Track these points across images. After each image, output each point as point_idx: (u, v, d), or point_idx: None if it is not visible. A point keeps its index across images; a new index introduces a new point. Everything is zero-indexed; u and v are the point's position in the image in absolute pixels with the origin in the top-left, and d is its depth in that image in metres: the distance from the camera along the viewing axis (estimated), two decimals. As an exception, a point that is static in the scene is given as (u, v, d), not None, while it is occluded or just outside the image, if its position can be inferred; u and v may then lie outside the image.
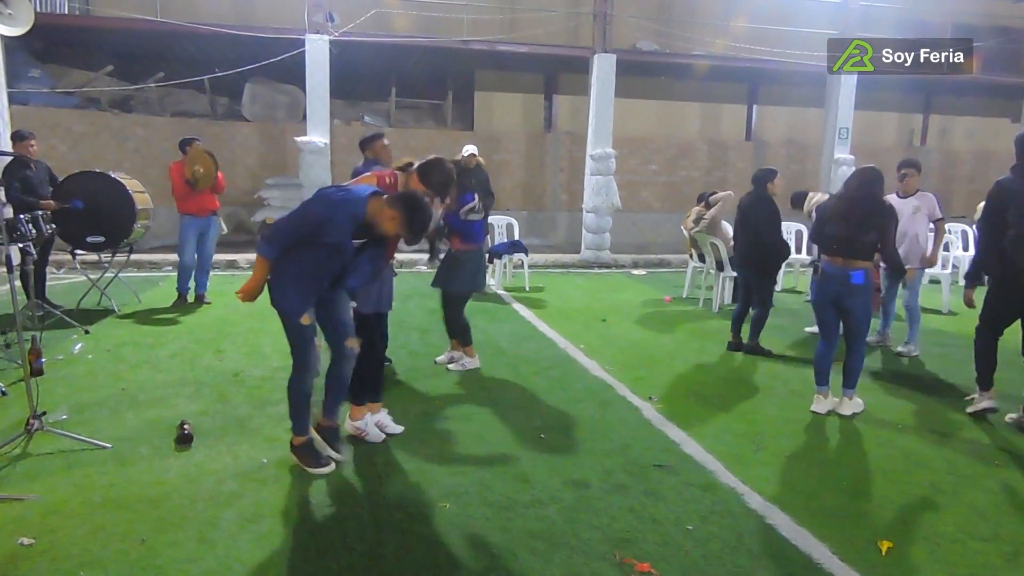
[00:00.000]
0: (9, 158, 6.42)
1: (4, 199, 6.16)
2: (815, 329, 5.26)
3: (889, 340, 6.27)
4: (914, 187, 5.89)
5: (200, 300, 7.37)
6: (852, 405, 4.48)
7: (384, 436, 3.82)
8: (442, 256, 5.09)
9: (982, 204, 4.61)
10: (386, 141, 4.89)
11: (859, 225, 4.28)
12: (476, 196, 5.06)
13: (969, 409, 4.49)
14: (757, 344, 5.89)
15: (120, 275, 7.45)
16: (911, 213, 5.77)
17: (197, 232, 7.18)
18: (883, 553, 2.79)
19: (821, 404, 4.50)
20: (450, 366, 5.20)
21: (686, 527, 2.94)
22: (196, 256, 7.27)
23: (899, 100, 15.83)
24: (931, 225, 5.87)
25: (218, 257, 9.78)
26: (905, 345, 6.01)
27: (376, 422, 3.87)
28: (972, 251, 10.15)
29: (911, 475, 3.55)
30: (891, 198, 5.45)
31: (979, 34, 13.54)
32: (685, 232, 8.64)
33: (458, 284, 5.08)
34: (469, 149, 8.02)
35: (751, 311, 5.96)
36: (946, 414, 4.50)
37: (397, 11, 12.31)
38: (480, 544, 2.77)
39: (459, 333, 5.20)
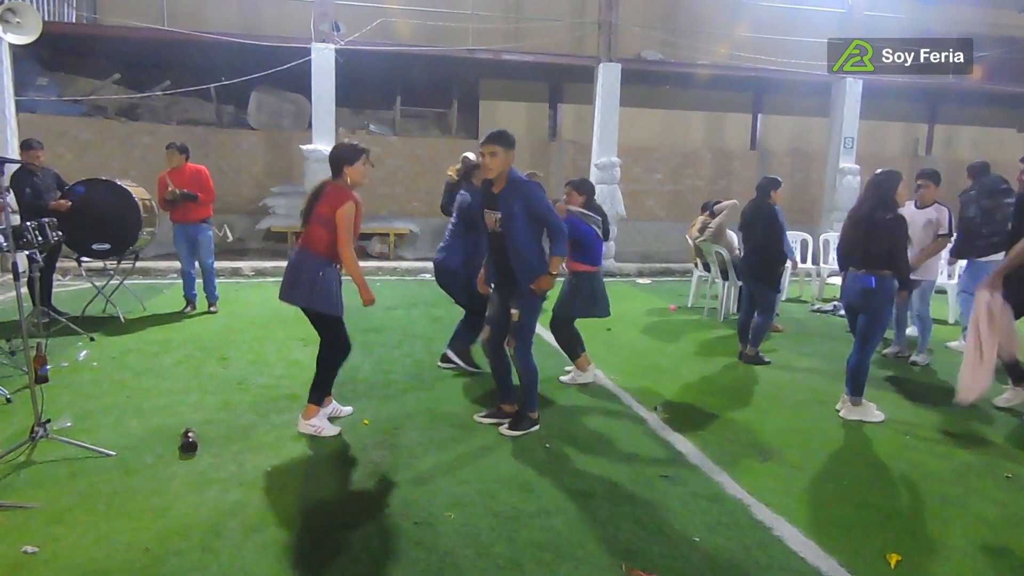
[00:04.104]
0: (16, 166, 6.43)
1: (15, 206, 6.19)
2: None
3: (906, 351, 6.23)
4: (930, 199, 5.81)
5: (209, 307, 7.35)
6: (856, 411, 4.49)
7: (338, 429, 3.97)
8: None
9: None
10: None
11: (867, 232, 4.28)
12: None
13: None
14: (757, 353, 5.86)
15: (125, 282, 7.47)
16: (923, 224, 5.73)
17: (186, 239, 7.16)
18: (892, 566, 2.76)
19: (843, 404, 4.63)
20: (562, 378, 5.22)
21: (693, 538, 2.92)
22: (195, 263, 7.28)
23: (904, 109, 15.82)
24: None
25: (223, 265, 9.82)
26: (918, 354, 5.99)
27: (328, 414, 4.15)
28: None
29: (920, 487, 3.52)
30: (907, 208, 5.47)
31: (984, 44, 13.55)
32: (690, 241, 8.64)
33: (578, 309, 5.03)
34: (468, 154, 8.03)
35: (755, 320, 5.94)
36: (955, 424, 4.47)
37: (402, 20, 12.36)
38: (485, 554, 2.75)
39: (566, 349, 5.20)
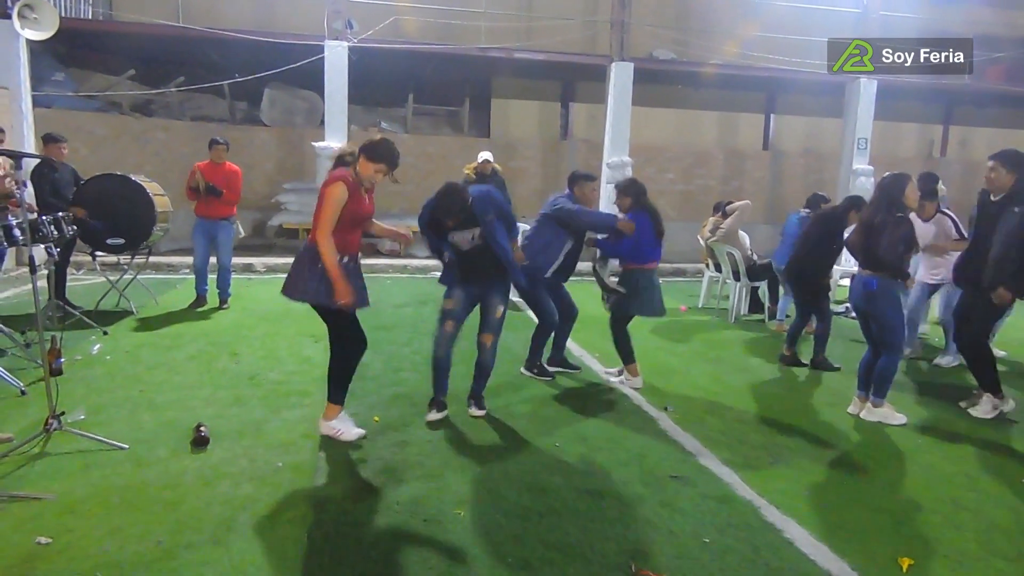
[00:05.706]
0: (36, 160, 6.49)
1: (34, 202, 6.24)
2: None
3: (918, 352, 6.22)
4: (928, 212, 5.84)
5: (220, 304, 7.38)
6: (877, 414, 4.47)
7: (361, 432, 3.89)
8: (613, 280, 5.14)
9: None
10: (594, 186, 5.24)
11: (872, 233, 4.27)
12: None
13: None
14: (824, 359, 5.78)
15: (138, 277, 7.52)
16: (932, 237, 5.79)
17: (204, 234, 7.22)
18: (904, 570, 2.74)
19: (856, 406, 4.62)
20: (612, 379, 5.22)
21: (703, 539, 2.91)
22: (211, 259, 7.31)
23: (919, 110, 15.68)
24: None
25: (235, 261, 9.86)
26: (943, 356, 5.97)
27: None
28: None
29: (932, 490, 3.50)
30: (916, 221, 5.49)
31: (1002, 44, 13.42)
32: (701, 241, 8.60)
33: (634, 307, 5.00)
34: (484, 155, 8.04)
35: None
36: (969, 428, 4.43)
37: (415, 18, 12.39)
38: (494, 553, 2.75)
39: (620, 351, 5.15)
